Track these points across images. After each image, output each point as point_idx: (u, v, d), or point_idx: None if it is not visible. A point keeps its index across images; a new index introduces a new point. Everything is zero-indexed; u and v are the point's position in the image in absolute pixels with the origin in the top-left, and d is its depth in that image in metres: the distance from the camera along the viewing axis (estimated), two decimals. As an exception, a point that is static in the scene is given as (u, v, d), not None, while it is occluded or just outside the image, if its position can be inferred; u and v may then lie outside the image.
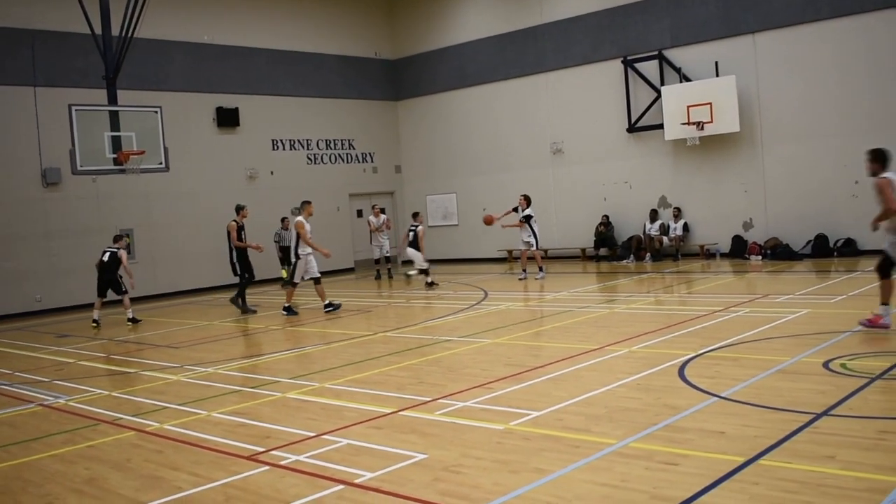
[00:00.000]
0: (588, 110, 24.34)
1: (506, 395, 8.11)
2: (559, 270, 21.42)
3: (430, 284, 19.86)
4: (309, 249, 16.47)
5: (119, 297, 17.24)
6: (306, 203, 16.84)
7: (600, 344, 10.48)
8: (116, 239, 17.44)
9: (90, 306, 17.95)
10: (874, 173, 10.01)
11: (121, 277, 17.10)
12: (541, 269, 19.70)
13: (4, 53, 20.73)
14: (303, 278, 16.67)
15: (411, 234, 20.82)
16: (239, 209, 17.67)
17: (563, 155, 24.92)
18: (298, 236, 16.32)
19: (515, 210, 20.00)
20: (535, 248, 19.71)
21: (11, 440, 7.97)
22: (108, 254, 17.04)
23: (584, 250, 24.45)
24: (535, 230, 19.64)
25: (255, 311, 17.46)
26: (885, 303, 10.00)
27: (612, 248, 23.48)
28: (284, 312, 16.43)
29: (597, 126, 24.16)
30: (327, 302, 16.45)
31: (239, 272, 17.48)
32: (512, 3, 26.00)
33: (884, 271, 10.06)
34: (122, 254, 17.03)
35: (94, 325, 16.99)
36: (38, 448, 7.57)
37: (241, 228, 17.41)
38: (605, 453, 6.03)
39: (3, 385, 11.12)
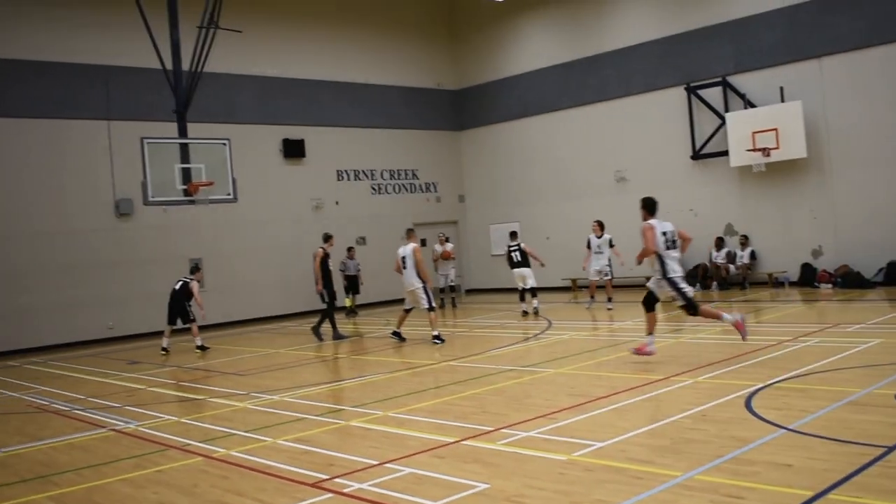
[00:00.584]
0: (651, 138, 24.21)
1: (569, 426, 8.07)
2: (623, 299, 21.22)
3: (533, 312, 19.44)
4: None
5: (187, 326, 17.58)
6: (412, 231, 17.14)
7: (665, 374, 10.37)
8: (193, 270, 17.87)
9: (160, 334, 18.33)
10: (644, 219, 11.90)
11: (190, 306, 17.44)
12: (609, 299, 19.52)
13: (81, 89, 21.44)
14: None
15: (515, 253, 19.82)
16: (327, 238, 18.10)
17: (627, 183, 24.79)
18: (416, 262, 15.88)
19: (588, 245, 19.92)
20: (610, 276, 19.65)
21: (84, 463, 8.16)
22: (180, 283, 17.44)
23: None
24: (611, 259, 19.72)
25: (346, 338, 17.58)
26: (650, 333, 11.68)
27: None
28: (437, 341, 15.46)
29: (660, 153, 24.01)
30: (435, 333, 15.60)
31: (327, 299, 17.64)
32: (572, 32, 26.09)
33: (648, 305, 11.87)
34: (194, 285, 17.39)
35: (164, 352, 17.35)
36: (109, 472, 7.74)
37: (327, 256, 17.68)
38: (669, 486, 5.96)
39: (77, 409, 11.40)
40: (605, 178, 25.34)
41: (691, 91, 23.13)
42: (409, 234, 16.79)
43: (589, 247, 19.86)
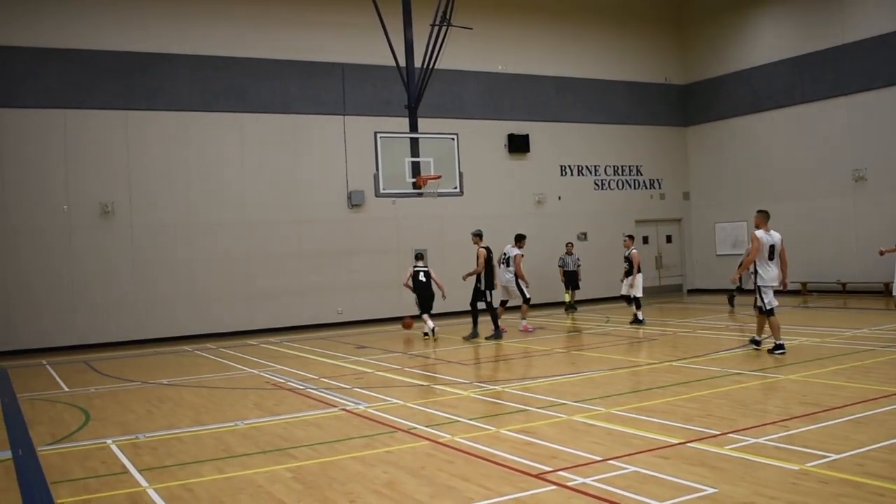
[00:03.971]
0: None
1: (800, 435, 7.75)
2: (860, 306, 20.05)
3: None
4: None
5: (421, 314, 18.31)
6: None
7: (908, 387, 9.74)
8: (419, 257, 18.64)
9: (384, 321, 19.11)
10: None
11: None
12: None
13: (320, 85, 22.64)
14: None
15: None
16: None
17: (867, 182, 23.31)
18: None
19: None
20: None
21: (319, 440, 8.64)
22: (421, 273, 18.22)
23: (887, 285, 22.67)
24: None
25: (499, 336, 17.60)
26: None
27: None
28: (756, 346, 13.84)
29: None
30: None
31: (489, 298, 17.68)
32: (809, 23, 24.78)
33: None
34: (431, 271, 18.57)
35: (427, 336, 18.15)
36: (341, 449, 8.16)
37: (490, 254, 17.96)
38: (915, 504, 5.61)
39: (311, 389, 12.07)
40: (842, 178, 23.92)
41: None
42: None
43: None
